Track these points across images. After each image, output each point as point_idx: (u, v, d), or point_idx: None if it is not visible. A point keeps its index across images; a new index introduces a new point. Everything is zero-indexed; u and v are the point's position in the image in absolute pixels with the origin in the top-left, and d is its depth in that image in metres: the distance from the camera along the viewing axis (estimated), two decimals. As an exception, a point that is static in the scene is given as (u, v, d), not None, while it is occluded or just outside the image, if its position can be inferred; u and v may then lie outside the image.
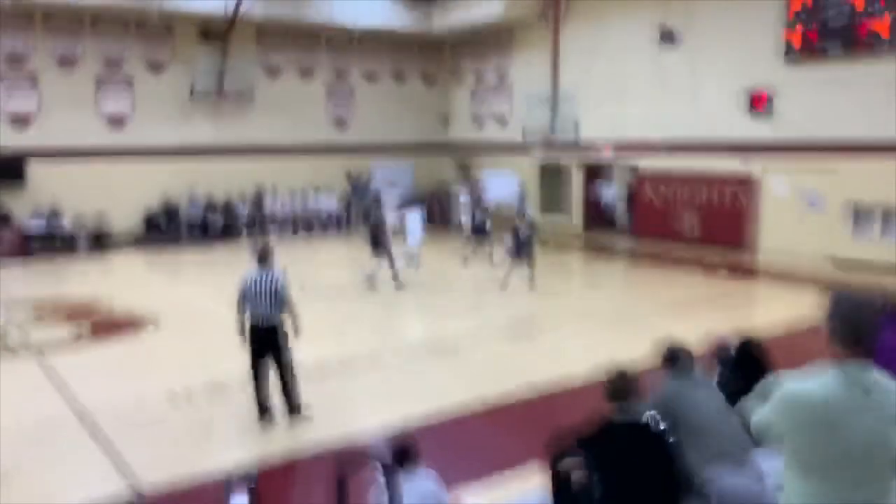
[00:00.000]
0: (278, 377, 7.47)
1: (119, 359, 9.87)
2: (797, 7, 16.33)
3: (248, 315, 7.38)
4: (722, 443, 4.12)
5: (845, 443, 2.72)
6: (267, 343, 7.37)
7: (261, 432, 7.22)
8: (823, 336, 2.83)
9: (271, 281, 7.30)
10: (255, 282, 7.29)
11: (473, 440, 7.10)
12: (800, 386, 2.83)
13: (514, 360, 9.49)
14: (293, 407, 7.50)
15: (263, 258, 7.53)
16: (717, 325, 9.61)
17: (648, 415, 3.81)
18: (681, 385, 4.28)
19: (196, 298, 13.61)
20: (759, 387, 3.14)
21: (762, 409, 3.00)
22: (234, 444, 6.98)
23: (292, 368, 7.56)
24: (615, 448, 2.31)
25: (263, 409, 7.43)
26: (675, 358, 4.43)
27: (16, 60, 19.98)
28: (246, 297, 7.32)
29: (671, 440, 2.19)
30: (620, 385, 4.11)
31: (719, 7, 18.14)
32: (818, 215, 16.55)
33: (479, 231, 16.53)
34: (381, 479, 3.48)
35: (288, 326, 7.49)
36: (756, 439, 3.71)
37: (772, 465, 4.14)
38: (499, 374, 8.90)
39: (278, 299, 7.29)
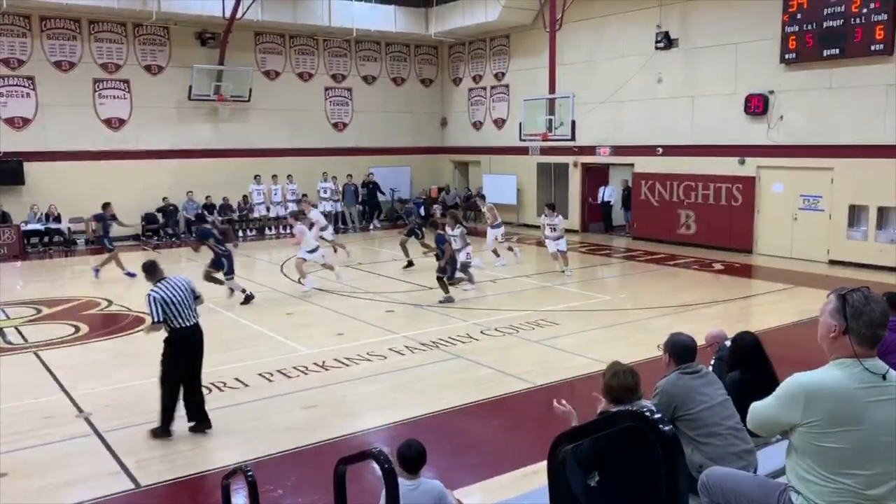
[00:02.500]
0: (193, 385, 7.21)
1: (117, 356, 9.88)
2: (794, 11, 16.38)
3: (175, 326, 7.02)
4: (724, 437, 4.13)
5: (866, 434, 2.69)
6: (197, 348, 7.20)
7: (260, 431, 7.22)
8: (834, 332, 2.79)
9: (184, 285, 7.07)
10: (172, 290, 6.97)
11: (473, 440, 7.11)
12: (816, 378, 2.79)
13: (515, 360, 9.50)
14: (206, 418, 7.25)
15: (150, 271, 7.20)
16: (714, 322, 9.63)
17: (645, 405, 3.83)
18: (683, 378, 4.30)
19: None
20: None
21: (765, 402, 2.95)
22: (232, 442, 6.97)
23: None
24: (612, 435, 2.34)
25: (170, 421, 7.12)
26: (677, 351, 4.45)
27: (13, 63, 20.00)
28: (169, 308, 6.92)
29: (667, 429, 2.21)
30: (621, 382, 4.12)
31: (716, 11, 18.21)
32: (814, 216, 16.62)
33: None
34: (384, 485, 3.40)
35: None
36: (755, 433, 3.70)
37: (774, 462, 4.15)
38: (499, 374, 8.92)
39: (194, 300, 7.15)
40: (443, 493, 4.15)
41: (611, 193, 22.34)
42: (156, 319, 6.90)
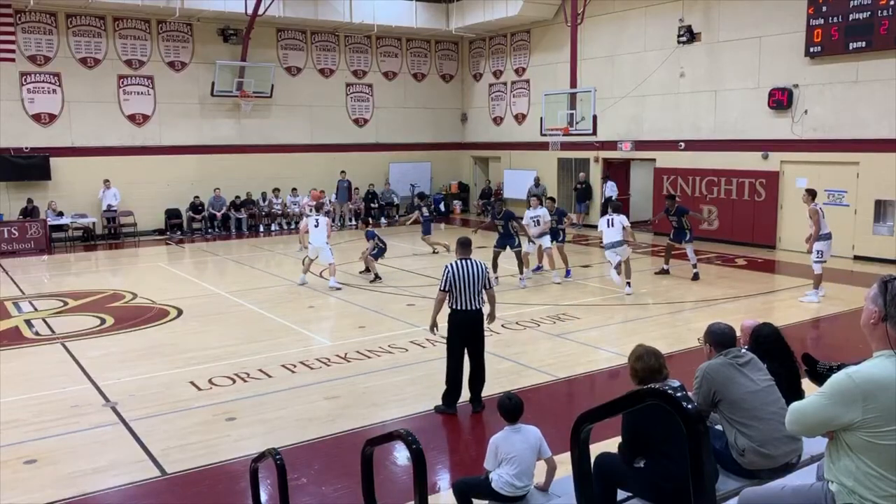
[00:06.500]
0: (474, 367, 7.55)
1: (142, 348, 10.00)
2: (819, 3, 16.21)
3: (454, 307, 7.36)
4: (768, 421, 4.11)
5: None
6: (471, 335, 7.44)
7: (283, 420, 7.29)
8: (874, 318, 2.70)
9: (476, 271, 7.31)
10: (463, 270, 7.28)
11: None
12: (869, 373, 2.66)
13: (536, 354, 9.52)
14: (479, 397, 7.56)
15: (460, 246, 7.60)
16: (736, 318, 9.57)
17: (671, 384, 3.84)
18: (724, 363, 4.29)
19: (218, 291, 13.74)
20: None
21: (814, 403, 2.76)
22: (256, 431, 7.05)
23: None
24: (637, 411, 2.34)
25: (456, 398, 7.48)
26: (715, 339, 4.45)
27: (40, 60, 20.28)
28: (454, 285, 7.27)
29: (690, 407, 2.21)
30: (645, 365, 4.13)
31: (739, 4, 18.05)
32: (839, 211, 16.40)
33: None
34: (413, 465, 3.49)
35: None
36: (795, 435, 3.57)
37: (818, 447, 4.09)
38: (520, 367, 8.94)
39: (482, 286, 7.36)
40: (540, 436, 4.63)
41: (612, 189, 22.26)
42: (441, 288, 7.36)
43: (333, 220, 23.89)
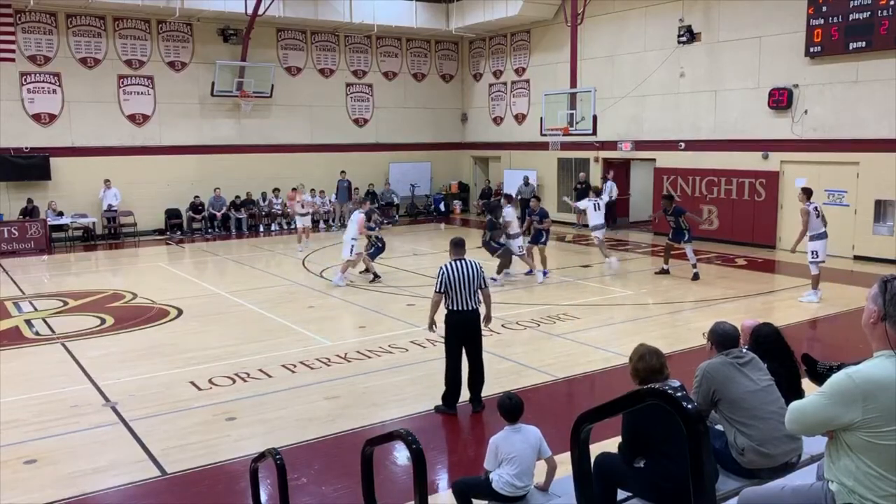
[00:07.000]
0: (473, 367, 7.56)
1: (142, 348, 10.00)
2: (820, 3, 16.21)
3: (451, 307, 7.37)
4: (767, 421, 4.11)
5: None
6: (468, 335, 7.46)
7: (283, 420, 7.29)
8: (874, 318, 2.69)
9: (473, 271, 7.36)
10: (457, 271, 7.30)
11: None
12: (869, 373, 2.65)
13: (536, 353, 9.52)
14: (479, 397, 7.57)
15: (453, 246, 7.63)
16: (736, 318, 9.56)
17: (671, 384, 3.84)
18: (724, 362, 4.30)
19: (218, 291, 13.74)
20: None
21: (814, 403, 2.75)
22: (256, 431, 7.05)
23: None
24: (638, 411, 2.34)
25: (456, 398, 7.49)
26: (718, 339, 4.45)
27: (40, 60, 20.27)
28: (449, 286, 7.27)
29: (690, 406, 2.21)
30: (647, 365, 4.13)
31: (739, 4, 18.05)
32: (839, 211, 16.40)
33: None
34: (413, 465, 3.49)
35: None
36: (795, 434, 3.58)
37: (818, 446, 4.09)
38: (520, 367, 8.94)
39: (478, 286, 7.39)
40: (540, 436, 4.64)
41: (610, 188, 22.25)
42: (436, 290, 7.36)
43: (333, 220, 23.92)
